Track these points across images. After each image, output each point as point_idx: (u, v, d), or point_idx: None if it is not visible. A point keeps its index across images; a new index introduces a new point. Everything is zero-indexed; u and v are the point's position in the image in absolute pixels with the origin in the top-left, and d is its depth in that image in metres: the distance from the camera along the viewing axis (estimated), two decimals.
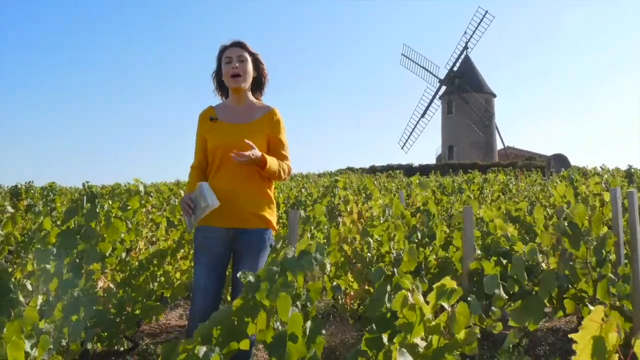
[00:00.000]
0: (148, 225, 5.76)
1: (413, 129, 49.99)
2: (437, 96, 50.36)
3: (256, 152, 2.90)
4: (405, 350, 1.55)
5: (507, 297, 3.52)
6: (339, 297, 4.60)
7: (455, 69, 49.87)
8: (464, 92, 48.93)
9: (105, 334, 3.83)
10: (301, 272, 1.78)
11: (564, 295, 3.85)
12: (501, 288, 3.46)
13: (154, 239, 5.48)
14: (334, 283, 4.53)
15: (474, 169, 30.29)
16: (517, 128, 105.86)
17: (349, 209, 5.01)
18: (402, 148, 50.78)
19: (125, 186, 14.17)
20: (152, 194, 11.03)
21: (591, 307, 2.34)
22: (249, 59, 3.16)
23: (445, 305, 1.64)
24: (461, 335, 1.64)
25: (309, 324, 1.72)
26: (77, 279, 3.19)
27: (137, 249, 5.09)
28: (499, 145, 52.87)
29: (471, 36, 48.50)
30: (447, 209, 8.32)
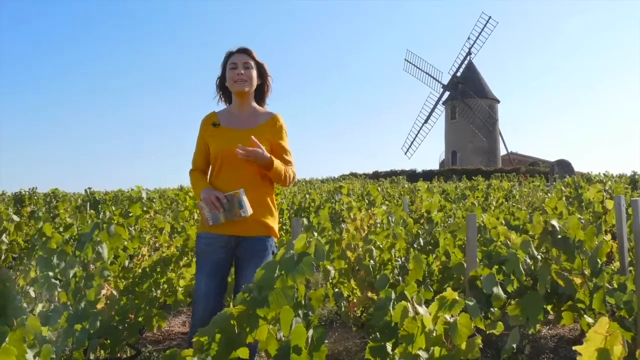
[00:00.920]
0: (151, 231, 5.76)
1: (416, 135, 50.00)
2: (441, 102, 50.36)
3: (262, 152, 2.91)
4: None
5: (505, 296, 3.51)
6: (342, 304, 4.59)
7: (458, 74, 49.89)
8: (468, 98, 48.92)
9: (108, 341, 3.82)
10: (301, 277, 1.76)
11: (562, 308, 3.84)
12: (499, 288, 3.44)
13: (157, 245, 5.48)
14: (336, 290, 4.52)
15: (478, 175, 30.26)
16: (520, 134, 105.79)
17: (352, 216, 5.01)
18: (405, 153, 50.83)
19: (128, 192, 14.20)
20: (154, 199, 11.04)
21: (588, 319, 2.33)
22: (255, 66, 3.17)
23: (447, 316, 1.63)
24: (463, 346, 1.63)
25: (311, 332, 1.71)
26: (86, 289, 3.19)
27: (140, 256, 5.09)
28: (503, 151, 52.86)
29: (474, 42, 48.58)
30: (450, 216, 8.30)
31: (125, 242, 4.12)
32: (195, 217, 6.45)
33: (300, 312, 1.98)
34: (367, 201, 10.92)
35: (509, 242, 4.00)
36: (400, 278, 4.09)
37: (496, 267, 3.84)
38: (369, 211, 5.08)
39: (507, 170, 39.14)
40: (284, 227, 7.87)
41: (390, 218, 4.94)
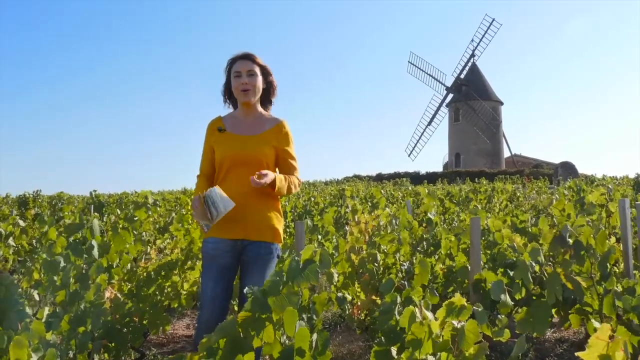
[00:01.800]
0: (160, 237, 5.78)
1: (420, 137, 50.04)
2: (444, 104, 50.41)
3: (271, 177, 2.94)
4: None
5: (513, 303, 3.50)
6: (346, 307, 4.59)
7: (462, 76, 49.90)
8: (471, 100, 48.91)
9: (113, 344, 3.83)
10: (305, 283, 1.77)
11: (569, 311, 3.83)
12: (507, 295, 3.44)
13: (162, 246, 5.50)
14: (340, 294, 4.51)
15: (481, 177, 30.24)
16: (524, 136, 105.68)
17: (356, 219, 5.01)
18: (409, 156, 50.88)
19: (132, 194, 14.24)
20: (158, 201, 11.06)
21: (596, 323, 2.33)
22: (258, 72, 3.18)
23: (455, 322, 1.63)
24: (470, 351, 1.63)
25: (315, 336, 1.72)
26: (84, 290, 3.20)
27: (146, 259, 5.10)
28: (506, 153, 52.82)
29: (478, 44, 48.61)
30: (454, 219, 8.30)
31: (128, 245, 4.13)
32: None
33: (304, 316, 1.98)
34: (370, 204, 10.91)
35: (514, 245, 4.00)
36: (405, 282, 4.08)
37: (501, 270, 3.84)
38: (373, 214, 5.08)
39: (510, 173, 39.10)
40: (288, 230, 7.87)
41: (394, 221, 4.94)
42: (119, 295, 4.04)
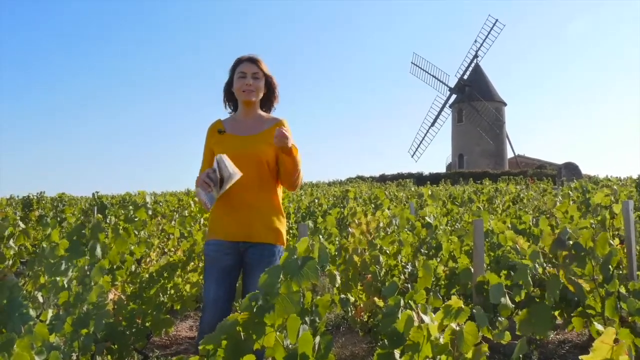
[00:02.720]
0: (160, 236, 5.78)
1: (423, 138, 50.01)
2: (447, 104, 50.34)
3: (290, 141, 2.93)
4: None
5: (513, 306, 3.49)
6: (349, 309, 4.59)
7: (465, 77, 49.87)
8: (474, 101, 48.86)
9: (116, 346, 3.84)
10: (306, 282, 1.75)
11: (572, 314, 3.82)
12: (507, 297, 3.43)
13: (165, 250, 5.50)
14: (342, 296, 4.52)
15: (485, 178, 30.22)
16: (527, 136, 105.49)
17: (357, 221, 5.01)
18: (412, 156, 50.82)
19: (134, 195, 14.26)
20: (161, 203, 11.07)
21: (598, 326, 2.33)
22: (263, 77, 3.19)
23: (453, 324, 1.63)
24: (469, 354, 1.63)
25: (317, 339, 1.71)
26: (86, 292, 3.20)
27: (147, 260, 5.11)
28: (510, 154, 52.76)
29: (481, 44, 48.55)
30: (457, 220, 8.29)
31: (132, 247, 4.13)
32: (201, 222, 6.47)
33: (307, 319, 1.98)
34: (373, 205, 10.91)
35: (517, 247, 3.99)
36: (408, 285, 4.08)
37: (504, 272, 3.83)
38: (374, 215, 5.08)
39: (514, 173, 39.04)
40: (291, 231, 7.88)
41: (394, 221, 4.93)
42: (122, 297, 4.05)
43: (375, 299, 4.26)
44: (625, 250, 4.30)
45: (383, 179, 44.90)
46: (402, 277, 4.36)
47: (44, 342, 2.20)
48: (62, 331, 3.00)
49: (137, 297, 4.29)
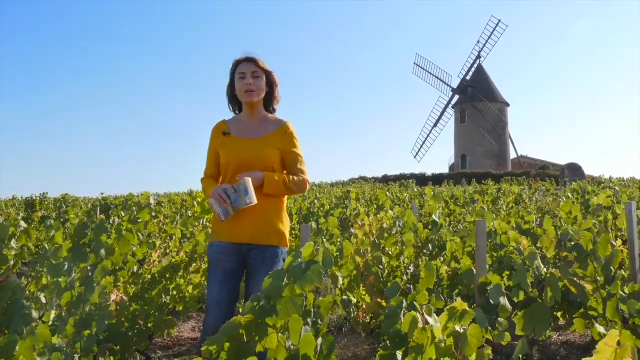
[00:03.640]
0: (162, 237, 5.78)
1: (426, 138, 50.01)
2: (450, 105, 50.33)
3: (253, 176, 2.96)
4: None
5: (511, 307, 3.49)
6: (351, 309, 4.58)
7: (468, 77, 49.84)
8: (477, 101, 48.84)
9: (118, 347, 3.84)
10: (309, 285, 1.75)
11: (574, 315, 3.81)
12: (506, 298, 3.43)
13: (167, 250, 5.50)
14: (345, 296, 4.51)
15: (487, 178, 30.19)
16: (530, 137, 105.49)
17: (359, 222, 5.00)
18: (414, 157, 50.85)
19: (137, 196, 14.28)
20: (163, 203, 11.08)
21: (600, 327, 2.32)
22: (263, 75, 3.18)
23: (457, 326, 1.62)
24: (473, 357, 1.62)
25: (319, 340, 1.71)
26: (88, 293, 3.20)
27: (150, 261, 5.10)
28: (512, 154, 52.72)
29: (484, 45, 48.56)
30: (460, 221, 8.27)
31: (134, 248, 4.13)
32: (204, 222, 6.47)
33: (309, 320, 1.97)
34: (376, 206, 10.90)
35: (520, 248, 3.98)
36: (410, 285, 4.07)
37: (507, 272, 3.82)
38: (377, 216, 5.07)
39: (517, 174, 39.01)
40: (293, 232, 7.87)
41: (397, 222, 4.92)
42: (124, 297, 4.05)
43: (378, 299, 4.26)
44: (628, 251, 4.29)
45: (385, 179, 44.87)
46: (405, 277, 4.35)
47: (46, 343, 2.19)
48: (65, 332, 3.00)
49: (140, 298, 4.29)
